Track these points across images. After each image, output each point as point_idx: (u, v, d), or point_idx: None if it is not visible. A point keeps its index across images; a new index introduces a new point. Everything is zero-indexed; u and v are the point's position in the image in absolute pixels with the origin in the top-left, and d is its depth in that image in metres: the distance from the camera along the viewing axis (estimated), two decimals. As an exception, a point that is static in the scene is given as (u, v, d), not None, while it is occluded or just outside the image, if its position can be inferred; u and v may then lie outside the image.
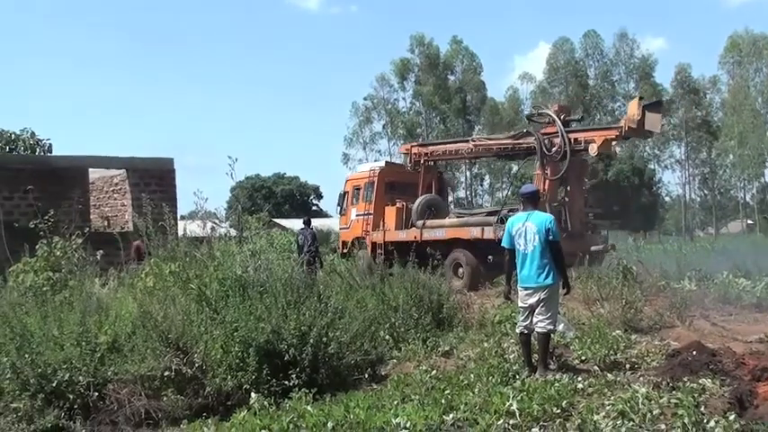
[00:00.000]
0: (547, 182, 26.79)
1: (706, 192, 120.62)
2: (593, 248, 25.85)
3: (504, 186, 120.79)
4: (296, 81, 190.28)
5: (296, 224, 70.35)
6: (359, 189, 33.54)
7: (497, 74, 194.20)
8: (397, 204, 30.93)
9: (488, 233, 26.80)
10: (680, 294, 20.18)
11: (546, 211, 23.53)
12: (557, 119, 27.02)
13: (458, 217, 30.07)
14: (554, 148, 26.69)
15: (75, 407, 10.33)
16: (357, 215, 33.26)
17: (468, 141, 32.29)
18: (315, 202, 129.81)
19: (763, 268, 25.95)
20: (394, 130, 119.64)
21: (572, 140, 26.51)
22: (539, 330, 12.21)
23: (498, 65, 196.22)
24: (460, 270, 25.60)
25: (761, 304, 20.65)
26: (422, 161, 31.97)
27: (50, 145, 36.57)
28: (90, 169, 29.42)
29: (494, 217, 27.70)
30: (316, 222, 34.69)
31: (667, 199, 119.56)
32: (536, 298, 12.23)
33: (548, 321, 12.17)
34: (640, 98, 26.69)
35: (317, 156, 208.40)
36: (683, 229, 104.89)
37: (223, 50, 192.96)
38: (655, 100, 28.87)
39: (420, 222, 29.81)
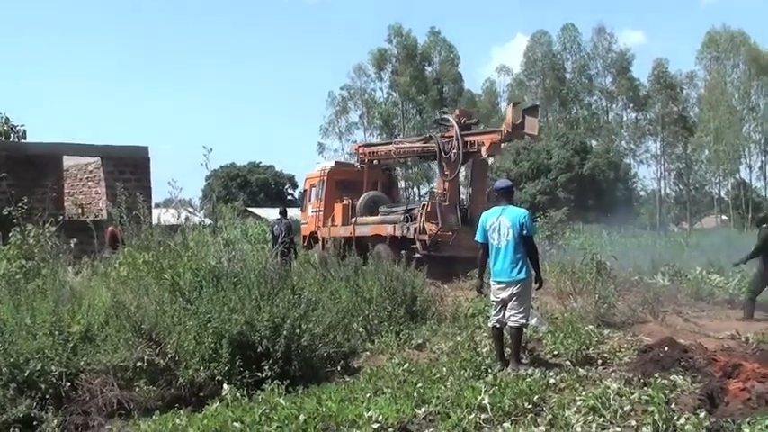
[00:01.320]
0: (446, 182, 28.80)
1: (681, 187, 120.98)
2: None
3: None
4: (272, 70, 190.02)
5: (271, 213, 70.18)
6: (314, 187, 35.26)
7: (475, 65, 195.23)
8: (344, 201, 32.29)
9: (398, 231, 28.82)
10: (653, 290, 20.30)
11: (436, 209, 26.77)
12: (454, 123, 28.71)
13: (383, 214, 31.18)
14: (453, 151, 28.33)
15: (48, 397, 10.27)
16: (312, 211, 34.88)
17: (391, 144, 35.06)
18: (290, 191, 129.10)
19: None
20: (370, 121, 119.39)
21: (467, 143, 28.11)
22: (511, 324, 12.26)
23: (475, 56, 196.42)
24: (384, 262, 26.40)
25: (733, 301, 20.90)
26: (366, 160, 33.70)
27: (24, 131, 36.21)
28: (64, 156, 29.32)
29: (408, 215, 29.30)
30: (291, 212, 35.23)
31: (642, 193, 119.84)
32: (509, 292, 12.29)
33: (520, 316, 12.22)
34: (515, 104, 28.68)
35: (293, 145, 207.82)
36: (658, 224, 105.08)
37: (199, 38, 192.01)
38: (532, 104, 31.35)
39: (353, 219, 31.50)
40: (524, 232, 12.21)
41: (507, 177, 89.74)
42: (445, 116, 31.66)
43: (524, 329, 12.69)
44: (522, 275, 12.22)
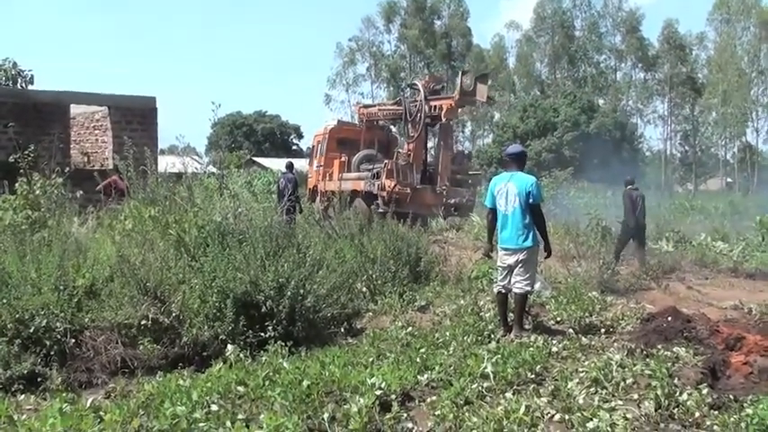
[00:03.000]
0: (410, 143, 31.54)
1: (687, 148, 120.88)
2: (451, 201, 30.21)
3: (485, 134, 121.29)
4: (281, 19, 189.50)
5: (276, 164, 70.09)
6: (319, 143, 36.88)
7: (483, 19, 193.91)
8: (341, 158, 33.96)
9: (365, 186, 31.15)
10: (657, 256, 20.32)
11: (394, 167, 28.74)
12: (421, 89, 31.11)
13: (363, 171, 32.73)
14: (418, 114, 30.61)
15: (52, 353, 10.26)
16: (316, 166, 36.56)
17: (375, 106, 37.74)
18: (295, 141, 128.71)
19: (740, 231, 26.17)
20: (378, 73, 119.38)
21: (431, 107, 30.48)
22: (516, 291, 12.25)
23: (484, 10, 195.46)
24: (359, 215, 26.90)
25: (737, 269, 20.86)
26: (365, 120, 36.10)
27: (32, 76, 36.05)
28: (71, 105, 29.25)
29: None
30: (298, 164, 35.89)
31: (648, 154, 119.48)
32: (515, 259, 12.26)
33: (525, 282, 12.21)
34: (465, 72, 31.45)
35: (300, 95, 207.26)
36: (662, 185, 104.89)
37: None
38: (482, 73, 36.96)
39: (339, 175, 33.34)
40: (531, 200, 12.16)
41: (513, 134, 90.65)
42: (415, 82, 34.04)
43: (529, 296, 12.69)
44: (529, 243, 12.17)
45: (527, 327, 12.44)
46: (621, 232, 21.12)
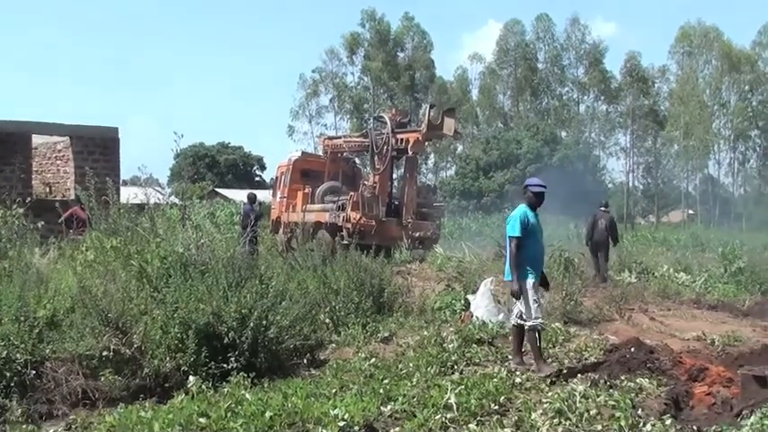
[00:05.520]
0: (376, 175, 31.36)
1: (649, 180, 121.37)
2: (416, 234, 30.11)
3: (448, 166, 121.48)
4: (244, 50, 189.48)
5: (239, 195, 69.91)
6: (283, 175, 36.85)
7: (446, 50, 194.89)
8: (305, 190, 33.94)
9: (330, 218, 31.12)
10: (620, 287, 20.37)
11: (359, 199, 29.00)
12: (388, 122, 31.29)
13: (327, 202, 32.79)
14: (384, 146, 30.77)
15: (12, 385, 10.20)
16: (280, 197, 36.53)
17: (341, 138, 38.63)
18: (258, 172, 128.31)
19: (702, 263, 26.30)
20: (341, 105, 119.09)
21: (398, 141, 30.66)
22: (512, 323, 12.26)
23: (447, 42, 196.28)
24: (323, 247, 26.99)
25: (699, 300, 20.90)
26: (329, 152, 35.83)
27: (-5, 106, 36.09)
28: (33, 135, 29.12)
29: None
30: (260, 195, 35.72)
31: (611, 186, 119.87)
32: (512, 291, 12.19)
33: (515, 315, 12.15)
34: (431, 106, 31.69)
35: (262, 126, 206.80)
36: (624, 217, 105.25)
37: (170, 15, 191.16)
38: (450, 107, 37.70)
39: (302, 207, 33.41)
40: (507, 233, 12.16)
41: (476, 166, 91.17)
42: (382, 115, 34.21)
43: (539, 328, 12.14)
44: (509, 277, 12.09)
45: (527, 360, 12.15)
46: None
